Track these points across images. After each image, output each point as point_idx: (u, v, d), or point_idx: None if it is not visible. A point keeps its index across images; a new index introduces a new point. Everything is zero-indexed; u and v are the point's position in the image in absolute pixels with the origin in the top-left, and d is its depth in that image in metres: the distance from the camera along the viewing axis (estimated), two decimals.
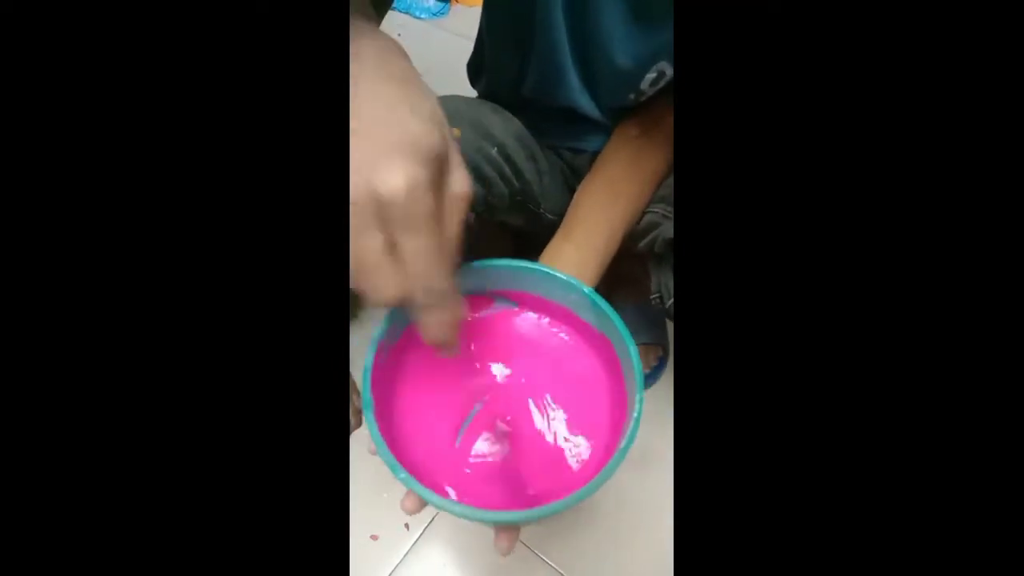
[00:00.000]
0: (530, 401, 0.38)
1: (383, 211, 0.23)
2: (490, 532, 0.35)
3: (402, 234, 0.23)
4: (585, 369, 0.39)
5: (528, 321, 0.40)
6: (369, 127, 0.23)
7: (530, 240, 0.61)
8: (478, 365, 0.39)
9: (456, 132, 0.45)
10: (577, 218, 0.49)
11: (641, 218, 0.49)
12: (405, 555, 0.63)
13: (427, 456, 0.35)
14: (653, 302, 0.51)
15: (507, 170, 0.51)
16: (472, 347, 0.39)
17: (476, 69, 0.60)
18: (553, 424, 0.37)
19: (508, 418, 0.37)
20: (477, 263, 0.37)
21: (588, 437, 0.37)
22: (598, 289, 0.41)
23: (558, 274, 0.37)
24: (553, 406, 0.38)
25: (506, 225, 0.62)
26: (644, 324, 0.71)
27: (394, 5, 1.23)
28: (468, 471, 0.35)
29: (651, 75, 0.47)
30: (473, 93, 0.62)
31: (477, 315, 0.40)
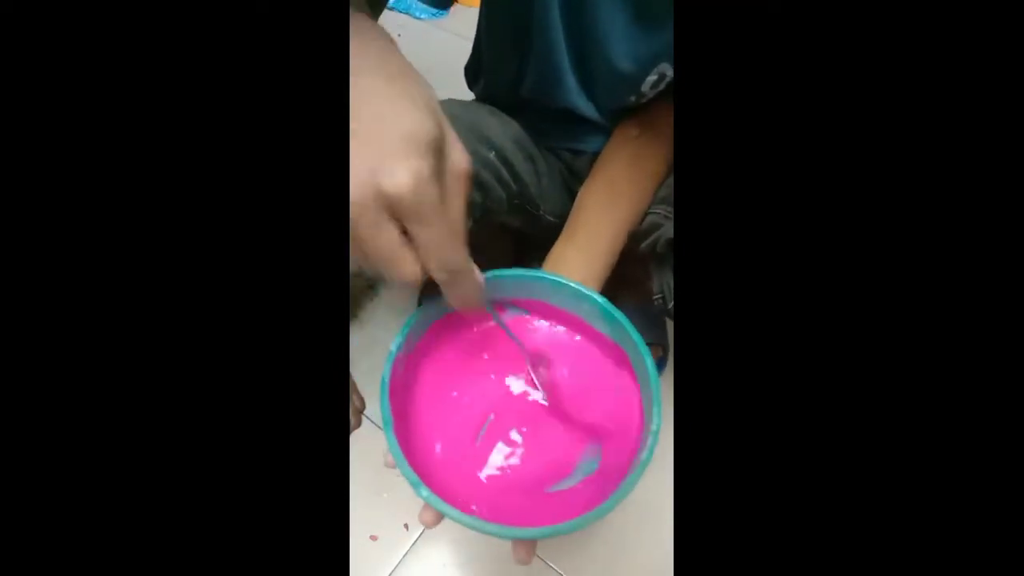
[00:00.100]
0: (545, 408, 0.38)
1: (393, 207, 0.24)
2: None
3: (414, 225, 0.25)
4: (599, 376, 0.39)
5: (540, 329, 0.40)
6: (370, 125, 0.24)
7: (531, 241, 0.61)
8: (492, 376, 0.39)
9: None
10: (579, 221, 0.49)
11: (643, 219, 0.49)
12: (405, 555, 0.63)
13: (443, 466, 0.35)
14: (656, 303, 0.51)
15: (505, 174, 0.50)
16: (485, 356, 0.39)
17: (474, 71, 0.60)
18: (568, 431, 0.37)
19: (524, 430, 0.37)
20: (488, 274, 0.37)
21: (603, 443, 0.36)
22: (602, 291, 0.41)
23: (569, 283, 0.37)
24: (567, 413, 0.38)
25: (506, 227, 0.62)
26: (645, 324, 0.71)
27: (394, 5, 1.23)
28: (484, 480, 0.35)
29: (652, 77, 0.47)
30: (471, 95, 0.62)
31: (489, 324, 0.39)
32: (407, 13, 1.24)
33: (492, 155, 0.49)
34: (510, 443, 0.37)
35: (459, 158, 0.27)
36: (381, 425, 0.31)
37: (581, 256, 0.47)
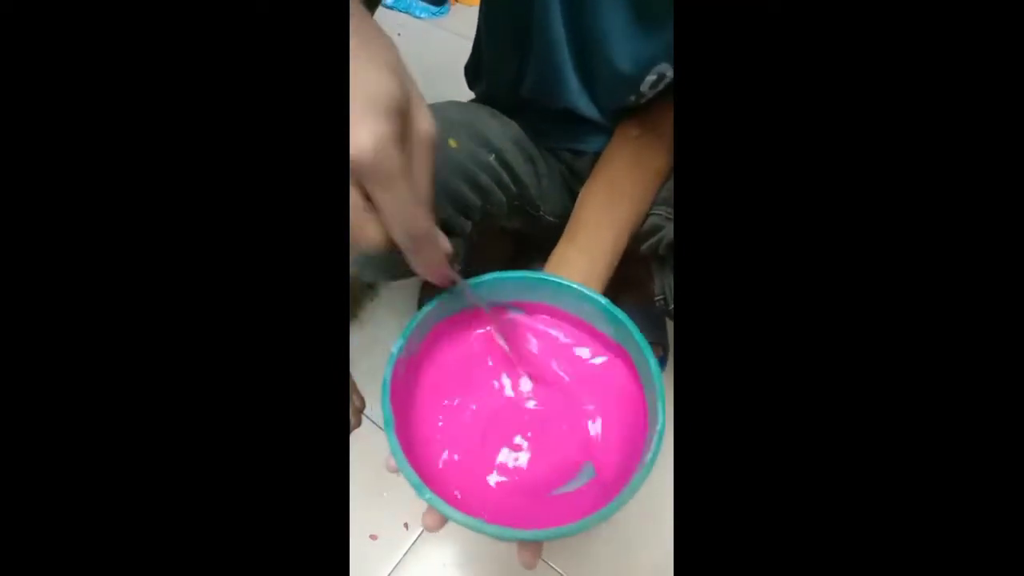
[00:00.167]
0: (547, 412, 0.38)
1: (354, 171, 0.23)
2: None
3: (376, 190, 0.24)
4: (602, 377, 0.39)
5: (542, 331, 0.40)
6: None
7: (531, 242, 0.61)
8: (495, 381, 0.39)
9: (452, 143, 0.45)
10: (581, 222, 0.49)
11: (644, 221, 0.49)
12: (404, 555, 0.63)
13: (445, 470, 0.35)
14: (658, 304, 0.50)
15: (505, 177, 0.50)
16: (489, 361, 0.39)
17: (474, 71, 0.60)
18: (572, 430, 0.37)
19: (528, 434, 0.37)
20: (490, 276, 0.36)
21: (608, 443, 0.36)
22: (604, 292, 0.40)
23: (572, 285, 0.37)
24: (572, 413, 0.38)
25: (506, 228, 0.62)
26: (647, 325, 0.71)
27: (394, 4, 1.23)
28: (487, 484, 0.35)
29: (651, 77, 0.47)
30: (471, 95, 0.62)
31: (491, 327, 0.39)
32: (407, 12, 1.24)
33: (492, 158, 0.48)
34: (513, 447, 0.36)
35: (425, 123, 0.26)
36: (382, 426, 0.31)
37: (583, 257, 0.47)
